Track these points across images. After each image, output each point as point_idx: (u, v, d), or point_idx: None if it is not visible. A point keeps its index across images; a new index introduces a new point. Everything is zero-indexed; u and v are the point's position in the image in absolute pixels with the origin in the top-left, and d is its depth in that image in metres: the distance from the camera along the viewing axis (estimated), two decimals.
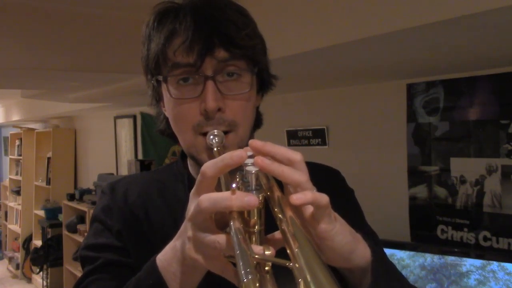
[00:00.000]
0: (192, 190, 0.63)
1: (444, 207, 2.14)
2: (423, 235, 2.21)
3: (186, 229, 0.62)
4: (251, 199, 0.56)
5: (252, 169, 0.60)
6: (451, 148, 2.11)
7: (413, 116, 2.25)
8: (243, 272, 0.50)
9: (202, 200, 0.58)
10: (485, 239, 2.00)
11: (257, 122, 0.89)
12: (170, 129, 0.85)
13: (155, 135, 4.38)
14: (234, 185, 0.60)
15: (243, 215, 0.59)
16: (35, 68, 2.26)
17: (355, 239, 0.65)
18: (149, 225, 0.85)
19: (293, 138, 2.87)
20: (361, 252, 0.67)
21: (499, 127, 1.93)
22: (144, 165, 4.02)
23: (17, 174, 7.49)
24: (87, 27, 2.30)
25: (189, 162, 0.91)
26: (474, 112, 2.02)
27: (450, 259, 1.84)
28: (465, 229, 2.07)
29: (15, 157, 7.45)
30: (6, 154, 8.59)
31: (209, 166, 0.60)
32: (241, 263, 0.51)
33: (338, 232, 0.61)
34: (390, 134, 2.38)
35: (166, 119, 0.86)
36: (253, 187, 0.59)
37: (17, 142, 7.38)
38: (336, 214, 0.63)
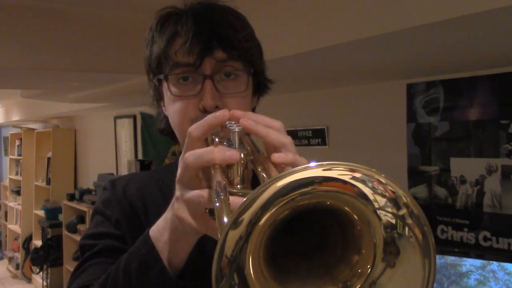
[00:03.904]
0: (180, 155, 0.64)
1: (444, 207, 2.14)
2: None
3: (175, 193, 0.64)
4: (233, 153, 0.58)
5: (235, 128, 0.62)
6: (451, 148, 2.11)
7: (413, 116, 2.25)
8: (216, 203, 0.51)
9: (187, 156, 0.61)
10: (485, 239, 2.00)
11: None
12: (170, 128, 0.88)
13: (155, 135, 4.40)
14: (217, 139, 0.63)
15: (227, 175, 0.60)
16: (35, 68, 2.26)
17: None
18: (147, 218, 0.88)
19: (293, 138, 2.85)
20: None
21: (499, 127, 1.93)
22: (144, 165, 4.02)
23: (17, 174, 7.49)
24: (87, 27, 2.30)
25: None
26: (474, 112, 2.02)
27: (450, 259, 1.84)
28: (465, 229, 2.07)
29: (15, 157, 7.45)
30: (6, 154, 8.59)
31: (194, 127, 0.63)
32: (215, 199, 0.52)
33: None
34: (390, 134, 2.39)
35: (166, 118, 0.90)
36: (236, 145, 0.61)
37: (17, 142, 7.39)
38: None
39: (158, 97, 0.90)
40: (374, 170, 0.47)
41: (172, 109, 0.84)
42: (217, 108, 0.79)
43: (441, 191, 2.16)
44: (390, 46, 1.52)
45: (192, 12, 0.81)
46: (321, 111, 2.80)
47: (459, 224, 2.09)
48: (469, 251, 1.91)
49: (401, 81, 2.29)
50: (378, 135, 2.46)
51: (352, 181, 0.46)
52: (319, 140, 2.77)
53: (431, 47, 1.56)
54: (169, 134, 0.91)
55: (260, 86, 0.91)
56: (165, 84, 0.84)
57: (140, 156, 4.60)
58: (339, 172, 0.46)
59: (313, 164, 0.45)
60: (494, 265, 1.74)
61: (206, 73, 0.79)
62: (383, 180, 0.47)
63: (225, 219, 0.50)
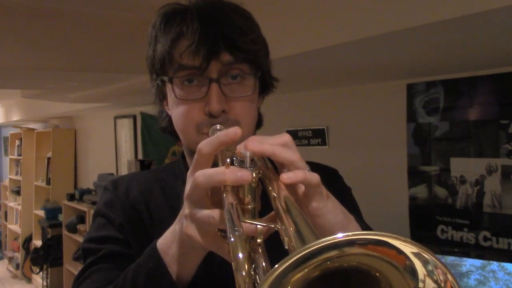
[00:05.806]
0: (189, 170, 0.63)
1: (444, 207, 2.14)
2: (423, 235, 2.21)
3: (184, 209, 0.63)
4: (245, 174, 0.56)
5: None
6: (451, 148, 2.11)
7: (413, 116, 2.25)
8: (231, 237, 0.50)
9: (197, 175, 0.59)
10: (485, 239, 2.00)
11: (258, 123, 0.91)
12: (172, 127, 0.87)
13: (155, 135, 4.40)
14: (228, 160, 0.61)
15: (238, 193, 0.59)
16: (35, 68, 2.26)
17: (346, 219, 0.65)
18: (150, 220, 0.87)
19: (293, 138, 2.86)
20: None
21: (499, 127, 1.93)
22: (144, 165, 4.02)
23: (17, 174, 7.49)
24: (87, 27, 2.30)
25: (190, 161, 0.91)
26: (474, 112, 2.02)
27: (450, 259, 1.84)
28: (465, 229, 2.07)
29: (15, 157, 7.45)
30: (6, 154, 8.59)
31: (205, 144, 0.61)
32: (230, 235, 0.51)
33: (329, 210, 0.62)
34: (390, 134, 2.38)
35: (169, 117, 0.88)
36: (248, 165, 0.60)
37: (17, 142, 7.38)
38: (329, 193, 0.63)
39: (161, 97, 0.88)
40: (447, 266, 0.41)
41: (177, 112, 0.82)
42: (223, 112, 0.78)
43: (441, 191, 2.16)
44: (390, 46, 1.52)
45: (197, 11, 0.78)
46: (321, 111, 2.80)
47: (459, 224, 2.09)
48: (469, 251, 1.91)
49: (401, 81, 2.29)
50: (378, 135, 2.46)
51: (411, 255, 0.40)
52: (319, 140, 2.77)
53: (431, 47, 1.56)
54: (171, 133, 0.89)
55: (266, 85, 0.89)
56: (169, 86, 0.81)
57: (140, 156, 4.60)
58: (401, 243, 0.40)
59: (340, 235, 0.39)
60: (494, 265, 1.74)
61: (212, 77, 0.77)
62: (449, 276, 0.41)
63: (240, 255, 0.49)
